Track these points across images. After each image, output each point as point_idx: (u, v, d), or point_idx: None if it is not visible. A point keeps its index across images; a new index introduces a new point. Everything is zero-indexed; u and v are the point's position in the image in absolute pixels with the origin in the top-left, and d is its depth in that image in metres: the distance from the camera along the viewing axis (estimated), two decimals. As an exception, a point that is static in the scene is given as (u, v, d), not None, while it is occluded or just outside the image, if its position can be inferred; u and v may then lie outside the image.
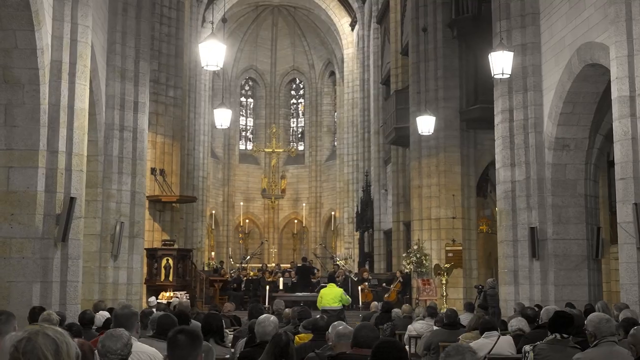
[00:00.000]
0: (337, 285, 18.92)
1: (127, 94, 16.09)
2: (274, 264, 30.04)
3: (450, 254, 23.50)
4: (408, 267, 24.12)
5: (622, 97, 12.26)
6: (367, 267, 30.87)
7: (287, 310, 11.85)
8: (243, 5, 41.38)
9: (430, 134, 20.34)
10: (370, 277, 25.46)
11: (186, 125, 27.63)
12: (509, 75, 14.15)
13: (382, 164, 32.90)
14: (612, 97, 12.52)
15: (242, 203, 42.94)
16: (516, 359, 8.76)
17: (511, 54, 13.91)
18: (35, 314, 9.23)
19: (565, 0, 15.36)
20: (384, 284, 25.55)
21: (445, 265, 22.82)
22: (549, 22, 16.16)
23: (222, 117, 16.94)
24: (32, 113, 11.08)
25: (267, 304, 20.65)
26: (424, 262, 23.85)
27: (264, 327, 6.75)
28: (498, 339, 8.69)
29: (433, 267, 23.17)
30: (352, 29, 40.09)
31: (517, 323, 9.62)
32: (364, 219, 34.00)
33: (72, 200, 11.29)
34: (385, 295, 24.27)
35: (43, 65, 11.11)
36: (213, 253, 33.08)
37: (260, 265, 28.83)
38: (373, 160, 34.36)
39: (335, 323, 6.75)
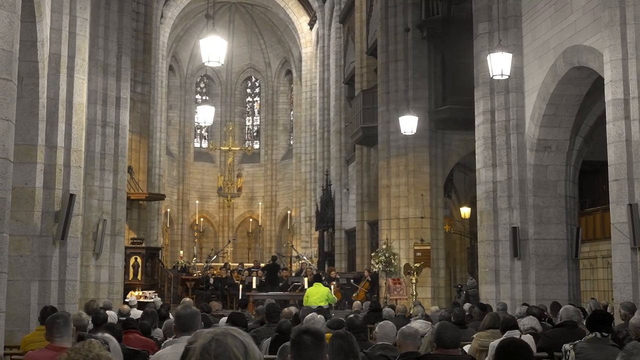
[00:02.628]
0: (323, 285, 18.87)
1: (109, 89, 15.76)
2: (237, 263, 29.82)
3: (418, 254, 23.63)
4: (377, 266, 24.19)
5: (617, 100, 12.48)
6: (326, 266, 30.87)
7: (287, 309, 11.76)
8: (200, 2, 40.95)
9: (413, 133, 20.37)
10: (338, 277, 25.44)
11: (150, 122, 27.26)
12: (507, 76, 14.26)
13: (344, 163, 32.96)
14: (606, 100, 12.73)
15: (197, 201, 42.55)
16: (537, 357, 8.84)
17: (510, 55, 14.05)
18: (47, 314, 8.97)
19: (550, 3, 15.59)
20: (351, 280, 25.57)
21: (415, 265, 22.96)
22: (532, 25, 16.37)
23: (206, 114, 16.71)
24: (31, 107, 10.75)
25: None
26: (393, 261, 23.96)
27: (313, 324, 6.67)
28: (519, 337, 8.73)
29: (403, 266, 23.28)
30: (311, 28, 40.07)
31: (529, 322, 9.69)
32: (325, 218, 34.00)
33: (71, 197, 11.01)
34: (354, 295, 24.31)
35: (43, 58, 10.79)
36: (182, 252, 32.65)
37: (223, 264, 28.54)
38: (334, 159, 34.40)
39: (382, 323, 6.71)
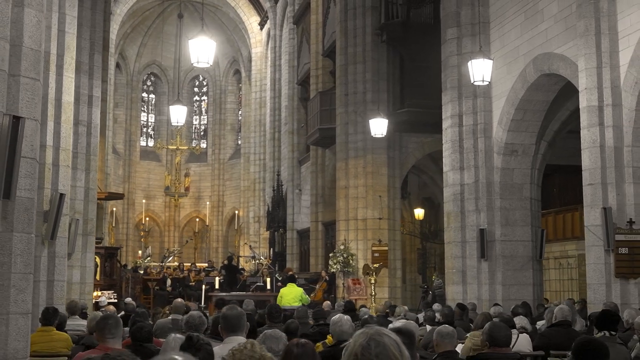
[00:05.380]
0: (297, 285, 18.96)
1: (82, 87, 15.56)
2: (189, 263, 29.64)
3: (376, 254, 23.90)
4: (334, 266, 24.37)
5: (591, 107, 12.93)
6: (275, 266, 30.92)
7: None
8: (149, -1, 40.68)
9: (383, 135, 20.61)
10: (295, 277, 25.50)
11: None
12: (488, 82, 14.60)
13: (297, 164, 33.06)
14: (581, 107, 13.18)
15: (143, 200, 42.14)
16: (534, 356, 9.15)
17: (491, 61, 14.40)
18: (49, 315, 8.90)
19: (520, 11, 16.01)
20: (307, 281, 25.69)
21: (374, 265, 23.20)
22: (501, 32, 16.78)
23: (178, 113, 16.66)
24: (20, 105, 10.59)
25: (202, 303, 20.40)
26: (351, 262, 24.18)
27: (341, 326, 6.80)
28: (517, 337, 9.02)
29: (362, 267, 23.51)
30: (261, 28, 40.08)
31: (520, 322, 10.04)
32: (276, 219, 34.04)
33: (61, 196, 10.89)
34: (312, 295, 24.39)
35: (33, 55, 10.64)
36: (140, 252, 32.29)
37: (178, 264, 28.38)
38: (285, 160, 34.47)
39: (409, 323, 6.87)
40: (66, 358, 8.40)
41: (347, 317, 6.92)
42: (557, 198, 25.06)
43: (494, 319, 9.89)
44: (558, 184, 25.12)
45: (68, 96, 11.32)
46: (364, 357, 2.92)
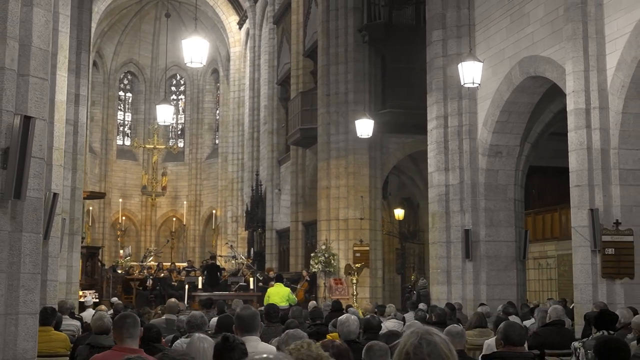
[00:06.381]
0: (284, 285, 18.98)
1: (69, 86, 15.42)
2: (169, 263, 29.54)
3: (357, 254, 23.99)
4: (316, 266, 24.43)
5: (578, 109, 13.11)
6: (254, 265, 30.89)
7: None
8: (127, -3, 40.46)
9: (369, 136, 20.70)
10: (283, 277, 25.49)
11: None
12: (478, 85, 14.74)
13: (276, 163, 33.08)
14: (568, 110, 13.35)
15: (120, 200, 41.91)
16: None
17: (481, 64, 14.53)
18: (47, 315, 8.88)
19: (506, 14, 16.18)
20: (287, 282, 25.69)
21: (356, 265, 23.29)
22: (487, 34, 16.94)
23: (165, 113, 16.62)
24: (14, 104, 10.53)
25: (186, 302, 20.34)
26: (332, 261, 24.25)
27: (348, 326, 6.87)
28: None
29: (344, 267, 23.59)
30: (240, 28, 40.04)
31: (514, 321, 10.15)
32: (255, 218, 34.04)
33: (54, 196, 10.85)
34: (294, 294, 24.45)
35: (27, 54, 10.58)
36: (122, 251, 32.11)
37: (157, 264, 28.27)
38: (265, 159, 34.47)
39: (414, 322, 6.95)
40: (67, 358, 8.39)
41: (354, 317, 6.99)
42: (537, 199, 25.32)
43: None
44: (537, 185, 25.38)
45: (61, 95, 11.28)
46: (417, 357, 2.99)
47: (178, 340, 7.92)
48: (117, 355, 5.41)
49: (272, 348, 5.31)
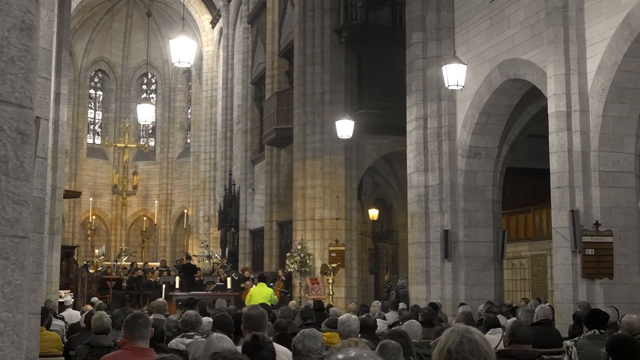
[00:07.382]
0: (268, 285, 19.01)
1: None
2: (142, 263, 29.41)
3: (333, 254, 24.11)
4: (292, 266, 24.49)
5: (559, 112, 13.33)
6: (228, 265, 30.87)
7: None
8: (99, -6, 40.17)
9: (349, 137, 20.79)
10: (252, 276, 25.55)
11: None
12: (462, 87, 14.90)
13: (250, 163, 33.06)
14: (549, 112, 13.57)
15: (90, 199, 41.58)
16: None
17: (465, 66, 14.68)
18: (45, 315, 8.85)
19: (486, 17, 16.38)
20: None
21: (332, 265, 23.41)
22: (466, 37, 17.13)
23: (145, 112, 16.57)
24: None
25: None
26: (308, 261, 24.33)
27: (349, 326, 6.95)
28: (503, 335, 9.28)
29: (320, 266, 23.68)
30: (213, 27, 39.95)
31: (500, 320, 10.31)
32: (228, 218, 34.00)
33: (42, 195, 10.78)
34: (269, 294, 24.49)
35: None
36: (97, 251, 31.87)
37: (130, 264, 28.14)
38: (238, 159, 34.43)
39: (408, 323, 7.06)
40: (63, 358, 8.37)
41: (354, 316, 7.07)
42: (510, 200, 25.62)
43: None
44: (510, 186, 25.67)
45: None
46: (459, 355, 3.08)
47: (173, 340, 7.94)
48: (128, 355, 5.44)
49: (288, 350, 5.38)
